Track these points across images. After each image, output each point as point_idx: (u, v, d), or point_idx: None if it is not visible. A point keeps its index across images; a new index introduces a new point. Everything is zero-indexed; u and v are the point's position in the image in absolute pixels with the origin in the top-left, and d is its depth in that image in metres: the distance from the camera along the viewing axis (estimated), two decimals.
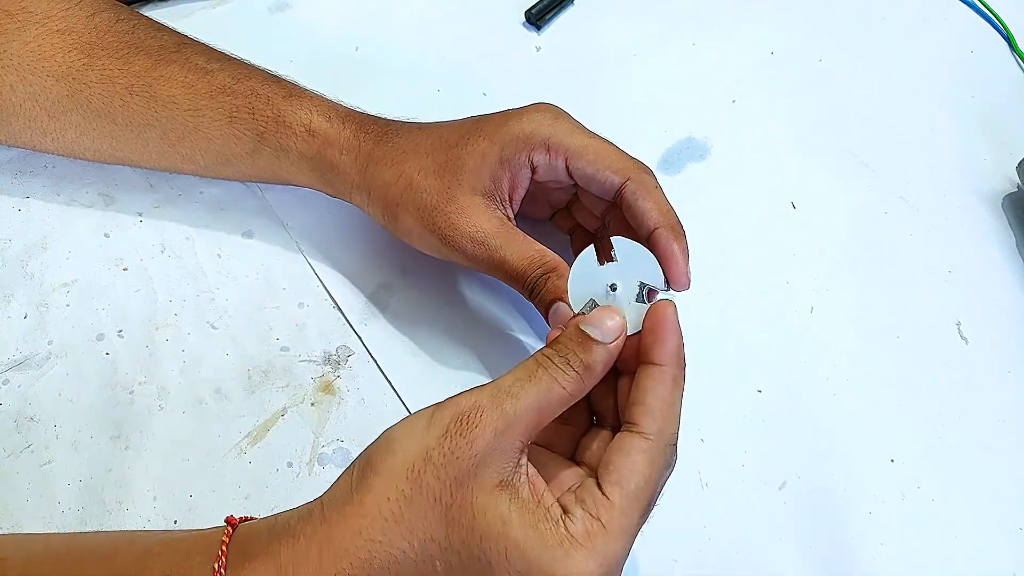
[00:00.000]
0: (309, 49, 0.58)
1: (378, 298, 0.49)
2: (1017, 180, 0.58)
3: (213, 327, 0.47)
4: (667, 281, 0.39)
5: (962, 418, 0.49)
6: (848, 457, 0.47)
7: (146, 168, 0.50)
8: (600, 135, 0.43)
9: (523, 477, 0.32)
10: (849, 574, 0.44)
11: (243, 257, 0.50)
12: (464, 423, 0.32)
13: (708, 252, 0.52)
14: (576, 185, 0.44)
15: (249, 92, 0.45)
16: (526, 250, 0.41)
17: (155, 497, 0.42)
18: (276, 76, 0.47)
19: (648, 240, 0.41)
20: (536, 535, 0.31)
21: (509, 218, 0.44)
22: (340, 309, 0.48)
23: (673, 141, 0.57)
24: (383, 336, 0.48)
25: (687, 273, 0.40)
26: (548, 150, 0.42)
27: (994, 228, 0.56)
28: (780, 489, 0.46)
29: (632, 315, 0.36)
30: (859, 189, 0.57)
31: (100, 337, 0.46)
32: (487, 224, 0.42)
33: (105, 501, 0.42)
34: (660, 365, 0.34)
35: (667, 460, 0.34)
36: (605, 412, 0.37)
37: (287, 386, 0.46)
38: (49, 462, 0.43)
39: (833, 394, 0.49)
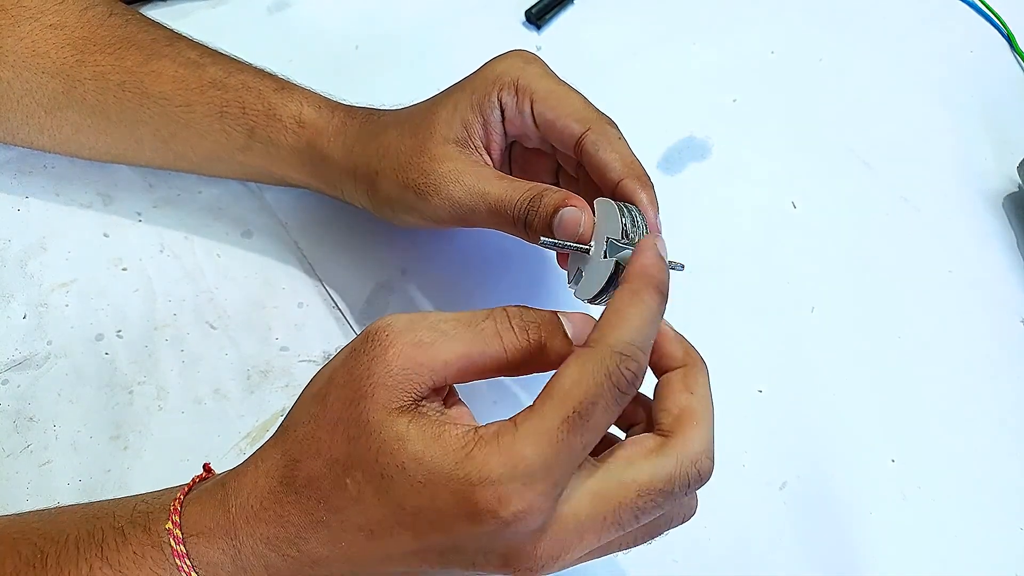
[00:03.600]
0: (309, 48, 0.58)
1: (378, 298, 0.49)
2: (1018, 180, 0.58)
3: (212, 327, 0.47)
4: (623, 220, 0.36)
5: (963, 418, 0.49)
6: (849, 457, 0.47)
7: (142, 166, 0.50)
8: (571, 86, 0.42)
9: (432, 408, 0.31)
10: (850, 575, 0.44)
11: (242, 257, 0.49)
12: (368, 341, 0.31)
13: (708, 251, 0.52)
14: (555, 153, 0.43)
15: (240, 86, 0.45)
16: (509, 180, 0.39)
17: None
18: (269, 72, 0.47)
19: (614, 194, 0.38)
20: (436, 443, 0.29)
21: (488, 165, 0.42)
22: (339, 309, 0.48)
23: (674, 140, 0.57)
24: None
25: (656, 223, 0.37)
26: (516, 91, 0.41)
27: (995, 228, 0.56)
28: (781, 489, 0.46)
29: (596, 272, 0.35)
30: (860, 189, 0.57)
31: (99, 337, 0.46)
32: (461, 164, 0.40)
33: None
34: (625, 283, 0.32)
35: (607, 368, 0.29)
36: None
37: (286, 386, 0.46)
38: (48, 462, 0.42)
39: (833, 394, 0.49)
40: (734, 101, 0.60)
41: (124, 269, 0.48)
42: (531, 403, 0.30)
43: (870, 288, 0.53)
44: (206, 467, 0.36)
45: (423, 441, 0.29)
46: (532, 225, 0.38)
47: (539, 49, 0.61)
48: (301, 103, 0.45)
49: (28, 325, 0.46)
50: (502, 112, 0.41)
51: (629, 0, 0.64)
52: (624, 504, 0.30)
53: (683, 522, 0.34)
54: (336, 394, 0.31)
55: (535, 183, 0.39)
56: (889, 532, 0.45)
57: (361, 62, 0.58)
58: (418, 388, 0.30)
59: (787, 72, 0.62)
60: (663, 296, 0.31)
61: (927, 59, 0.63)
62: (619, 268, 0.35)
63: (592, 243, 0.36)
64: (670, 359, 0.34)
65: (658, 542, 0.43)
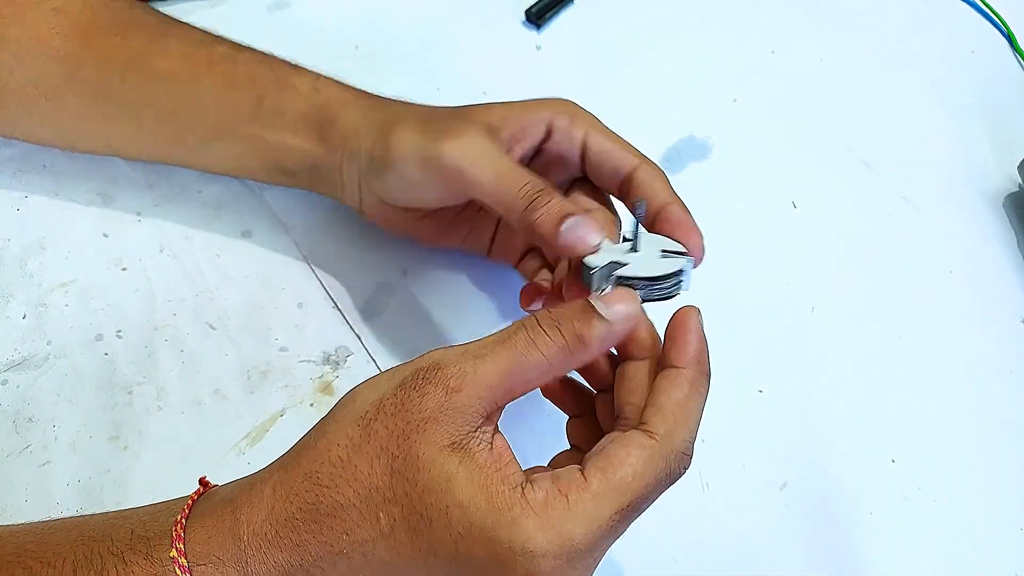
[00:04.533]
0: (309, 48, 0.57)
1: (378, 298, 0.49)
2: (1018, 179, 0.58)
3: (212, 327, 0.47)
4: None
5: (963, 418, 0.49)
6: (849, 457, 0.47)
7: (134, 157, 0.49)
8: None
9: (482, 444, 0.30)
10: (850, 575, 0.44)
11: (242, 257, 0.49)
12: (420, 377, 0.30)
13: (708, 252, 0.51)
14: (569, 189, 0.43)
15: (252, 60, 0.46)
16: (517, 168, 0.39)
17: (154, 498, 0.42)
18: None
19: (658, 215, 0.39)
20: (484, 496, 0.29)
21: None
22: (339, 309, 0.48)
23: (674, 140, 0.57)
24: (383, 336, 0.48)
25: (703, 248, 0.38)
26: (571, 119, 0.41)
27: (995, 228, 0.56)
28: (781, 490, 0.46)
29: (657, 267, 0.35)
30: (860, 189, 0.57)
31: (99, 337, 0.46)
32: (485, 136, 0.40)
33: (104, 502, 0.42)
34: (678, 368, 0.32)
35: (670, 467, 0.31)
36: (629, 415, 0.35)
37: (286, 387, 0.46)
38: (48, 463, 0.42)
39: (834, 394, 0.49)
40: (734, 101, 0.60)
41: (124, 269, 0.48)
42: (578, 466, 0.30)
43: (870, 288, 0.53)
44: (203, 482, 0.34)
45: (471, 489, 0.29)
46: (536, 208, 0.37)
47: (539, 49, 0.61)
48: (317, 76, 0.46)
49: (27, 325, 0.46)
50: (549, 131, 0.42)
51: (629, 0, 0.64)
52: (634, 507, 0.30)
53: None
54: (384, 422, 0.30)
55: (536, 179, 0.38)
56: (889, 532, 0.45)
57: (361, 62, 0.58)
58: (471, 420, 0.30)
59: (787, 72, 0.61)
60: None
61: (927, 59, 0.63)
62: (675, 276, 0.35)
63: (641, 243, 0.36)
64: (640, 346, 0.34)
65: (659, 542, 0.44)
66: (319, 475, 0.30)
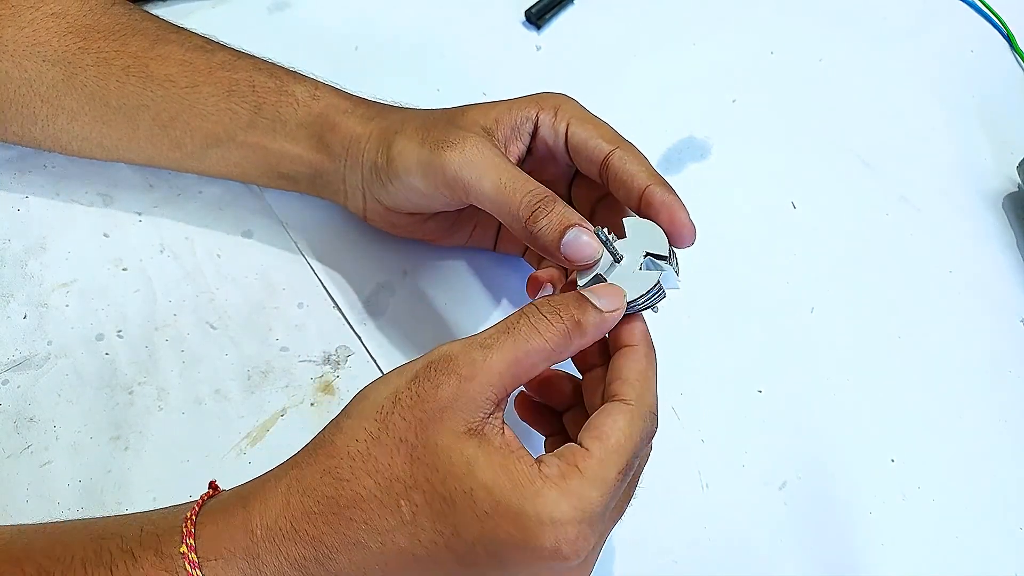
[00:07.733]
0: (308, 49, 0.58)
1: (378, 298, 0.49)
2: (1018, 180, 0.58)
3: (212, 327, 0.47)
4: (670, 246, 0.38)
5: (962, 418, 0.49)
6: (848, 457, 0.47)
7: (131, 161, 0.49)
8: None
9: (495, 429, 0.32)
10: (850, 575, 0.44)
11: (242, 257, 0.49)
12: (433, 369, 0.32)
13: (708, 252, 0.52)
14: (572, 182, 0.44)
15: (251, 67, 0.46)
16: (519, 176, 0.39)
17: (155, 498, 0.42)
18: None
19: (641, 200, 0.39)
20: (505, 475, 0.30)
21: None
22: (340, 309, 0.48)
23: (674, 140, 0.57)
24: (383, 336, 0.48)
25: (691, 223, 0.39)
26: (556, 113, 0.42)
27: (995, 228, 0.56)
28: (780, 489, 0.46)
29: (635, 282, 0.36)
30: (859, 189, 0.57)
31: (99, 337, 0.46)
32: (485, 141, 0.40)
33: (105, 502, 0.42)
34: (632, 345, 0.35)
35: (647, 426, 0.34)
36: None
37: (287, 386, 0.46)
38: (48, 463, 0.42)
39: (833, 394, 0.49)
40: (734, 101, 0.60)
41: (124, 269, 0.48)
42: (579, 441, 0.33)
43: (870, 288, 0.53)
44: (212, 485, 0.35)
45: (492, 470, 0.30)
46: (537, 220, 0.37)
47: (539, 49, 0.61)
48: (315, 84, 0.46)
49: (28, 325, 0.46)
50: (535, 128, 0.42)
51: (629, 0, 0.64)
52: (629, 465, 0.33)
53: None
54: (401, 414, 0.32)
55: (538, 188, 0.39)
56: (889, 532, 0.45)
57: (361, 62, 0.58)
58: (484, 407, 0.32)
59: (787, 72, 0.62)
60: None
61: (927, 59, 0.63)
62: (651, 290, 0.37)
63: (623, 254, 0.37)
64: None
65: (659, 542, 0.44)
66: (338, 470, 0.31)
